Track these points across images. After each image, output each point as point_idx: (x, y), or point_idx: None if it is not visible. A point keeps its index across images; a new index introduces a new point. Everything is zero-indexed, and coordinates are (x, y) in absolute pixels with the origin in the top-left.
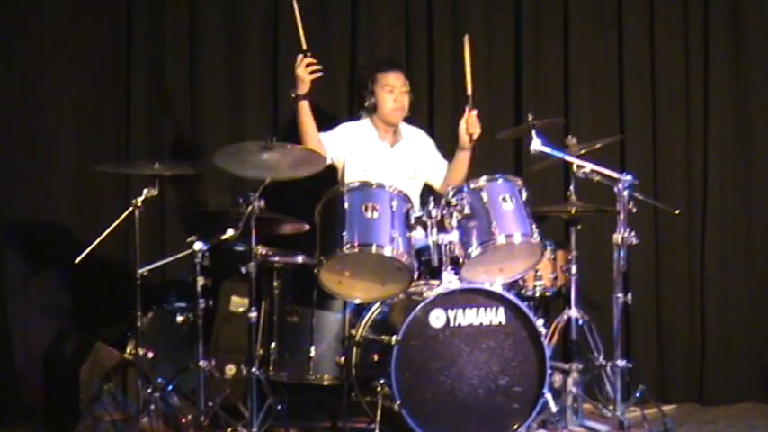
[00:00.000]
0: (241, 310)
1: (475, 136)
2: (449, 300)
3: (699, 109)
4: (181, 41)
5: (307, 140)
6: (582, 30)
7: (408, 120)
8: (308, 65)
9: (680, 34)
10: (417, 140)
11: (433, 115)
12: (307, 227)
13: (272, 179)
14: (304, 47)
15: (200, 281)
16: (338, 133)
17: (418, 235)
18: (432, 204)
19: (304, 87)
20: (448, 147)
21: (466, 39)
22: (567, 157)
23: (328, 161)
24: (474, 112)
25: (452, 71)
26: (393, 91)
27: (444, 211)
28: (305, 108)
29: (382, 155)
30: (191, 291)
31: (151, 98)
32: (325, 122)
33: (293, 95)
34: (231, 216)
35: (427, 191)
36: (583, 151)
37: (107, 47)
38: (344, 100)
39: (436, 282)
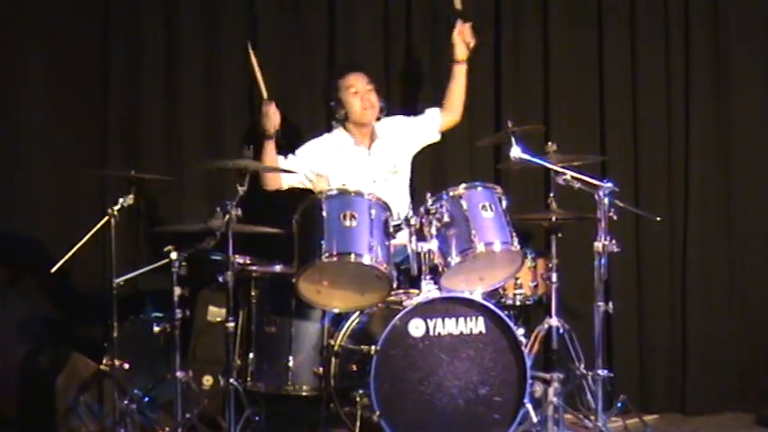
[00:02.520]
0: (218, 320)
1: (471, 44)
2: (428, 309)
3: (680, 116)
4: (158, 50)
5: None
6: (561, 35)
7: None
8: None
9: (661, 36)
10: (392, 130)
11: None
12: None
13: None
14: (264, 95)
15: (177, 290)
16: (306, 152)
17: (398, 241)
18: (410, 212)
19: (270, 127)
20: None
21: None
22: (548, 165)
23: (296, 183)
24: (468, 24)
25: (432, 90)
26: (357, 92)
27: (423, 220)
28: (268, 147)
29: (360, 160)
30: (167, 300)
31: (128, 105)
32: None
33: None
34: (208, 225)
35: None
36: (562, 165)
37: (84, 49)
38: (322, 115)
39: (415, 291)
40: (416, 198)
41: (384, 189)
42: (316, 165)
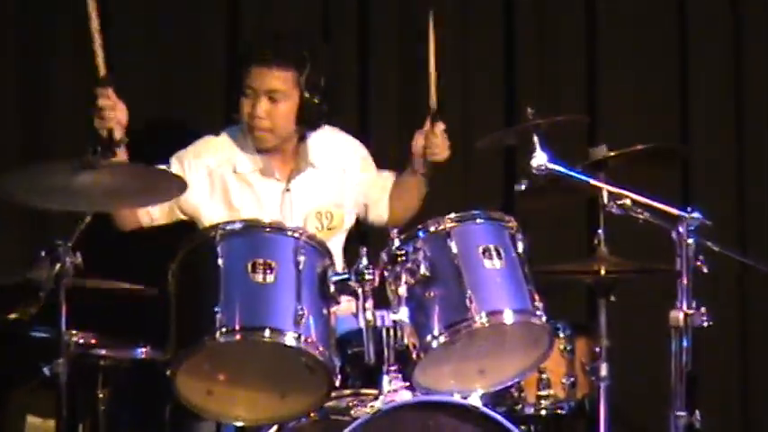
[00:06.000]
0: None
1: (438, 157)
2: (394, 421)
3: None
4: None
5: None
6: None
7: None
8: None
9: None
10: (337, 162)
11: (367, 120)
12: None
13: (94, 212)
14: (102, 72)
15: None
16: (199, 163)
17: (344, 308)
18: (365, 260)
19: (109, 132)
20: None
21: (430, 17)
22: (593, 182)
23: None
24: (440, 127)
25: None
26: (250, 97)
27: (387, 273)
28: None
29: (269, 198)
30: None
31: None
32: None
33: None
34: (26, 278)
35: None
36: (612, 153)
37: None
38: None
39: (372, 391)
40: (373, 239)
41: None
42: (213, 186)
